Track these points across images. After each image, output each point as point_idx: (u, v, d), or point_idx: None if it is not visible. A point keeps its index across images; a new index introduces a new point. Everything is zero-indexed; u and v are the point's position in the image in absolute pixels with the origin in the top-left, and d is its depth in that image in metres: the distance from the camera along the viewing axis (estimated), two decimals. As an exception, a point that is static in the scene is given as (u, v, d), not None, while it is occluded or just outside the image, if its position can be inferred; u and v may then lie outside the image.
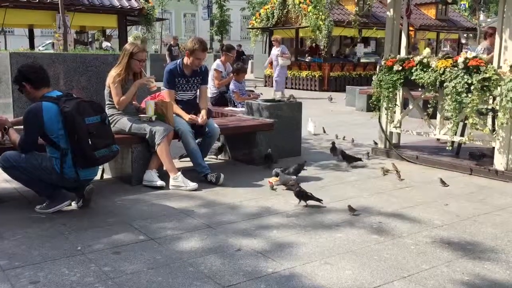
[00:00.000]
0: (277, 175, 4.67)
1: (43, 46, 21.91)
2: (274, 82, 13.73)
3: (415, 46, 15.35)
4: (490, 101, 5.33)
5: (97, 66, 5.61)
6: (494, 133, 4.98)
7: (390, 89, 5.64)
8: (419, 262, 2.96)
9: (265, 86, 18.63)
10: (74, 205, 3.88)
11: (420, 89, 6.09)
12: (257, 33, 19.98)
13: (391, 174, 5.07)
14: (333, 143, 5.91)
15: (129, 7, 14.41)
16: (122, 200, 4.15)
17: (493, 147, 5.03)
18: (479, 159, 5.21)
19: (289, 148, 5.83)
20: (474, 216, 3.82)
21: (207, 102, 5.69)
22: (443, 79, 5.11)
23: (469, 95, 4.87)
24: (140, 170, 4.58)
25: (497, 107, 4.85)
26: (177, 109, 4.88)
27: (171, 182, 4.48)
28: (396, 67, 5.57)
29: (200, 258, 2.98)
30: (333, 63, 17.59)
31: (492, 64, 5.16)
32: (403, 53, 5.97)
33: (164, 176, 4.56)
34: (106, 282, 2.65)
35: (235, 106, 6.99)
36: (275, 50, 13.61)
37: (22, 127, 3.78)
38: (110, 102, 4.64)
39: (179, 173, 4.50)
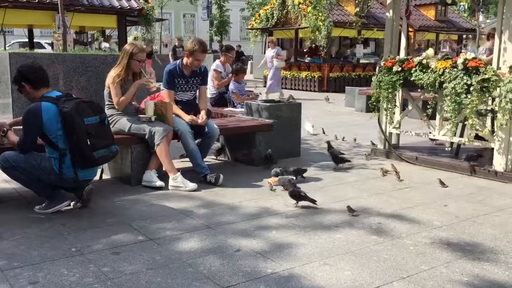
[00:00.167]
0: (276, 175, 4.67)
1: (8, 46, 21.58)
2: (267, 83, 13.54)
3: (419, 47, 15.34)
4: (490, 102, 5.34)
5: (96, 67, 5.61)
6: (494, 134, 4.99)
7: (389, 90, 5.65)
8: (418, 262, 2.96)
9: (265, 86, 18.59)
10: (73, 205, 3.88)
11: (419, 90, 6.09)
12: (256, 34, 20.00)
13: (390, 175, 5.07)
14: (328, 143, 5.83)
15: (128, 7, 14.42)
16: (121, 200, 4.15)
17: (492, 148, 5.04)
18: (476, 159, 5.22)
19: (289, 149, 5.83)
20: (473, 217, 3.83)
21: (207, 103, 5.69)
22: (442, 80, 5.12)
23: (469, 96, 4.88)
24: (140, 170, 4.58)
25: (497, 108, 4.86)
26: (176, 109, 4.88)
27: (171, 182, 4.48)
28: (396, 68, 5.58)
29: (199, 258, 2.98)
30: (332, 63, 17.62)
31: (491, 65, 5.17)
32: (402, 54, 5.97)
33: (164, 176, 4.56)
34: (105, 282, 2.65)
35: (234, 106, 6.99)
36: (270, 52, 13.50)
37: (21, 127, 3.78)
38: (109, 103, 4.64)
39: (179, 173, 4.50)
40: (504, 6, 5.05)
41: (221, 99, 7.20)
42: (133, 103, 4.80)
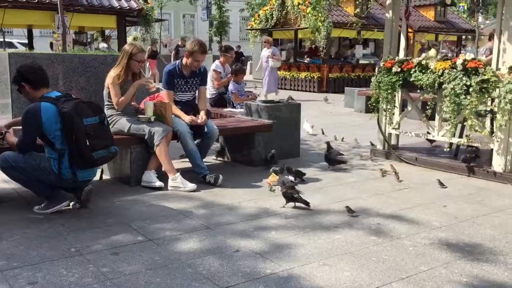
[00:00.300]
0: (276, 173, 4.63)
1: None
2: (264, 84, 13.29)
3: (423, 48, 15.30)
4: (489, 103, 5.34)
5: (96, 67, 5.60)
6: (493, 135, 4.99)
7: (389, 91, 5.65)
8: (418, 263, 2.96)
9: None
10: (72, 205, 3.87)
11: (418, 91, 6.10)
12: (256, 34, 20.00)
13: (390, 175, 5.07)
14: (328, 144, 5.82)
15: (128, 7, 14.43)
16: (120, 200, 4.15)
17: (491, 149, 5.05)
18: (473, 160, 5.22)
19: (288, 149, 5.83)
20: (473, 217, 3.83)
21: (206, 103, 5.69)
22: (441, 80, 5.12)
23: (468, 97, 4.88)
24: (139, 171, 4.58)
25: (496, 109, 4.86)
26: (176, 110, 4.88)
27: (170, 183, 4.48)
28: (395, 69, 5.58)
29: (199, 259, 2.98)
30: (332, 64, 17.63)
31: (490, 66, 5.17)
32: (402, 55, 5.98)
33: (163, 177, 4.56)
34: (104, 283, 2.65)
35: (234, 107, 7.00)
36: (266, 52, 13.25)
37: (20, 127, 3.78)
38: (109, 103, 4.64)
39: (178, 174, 4.50)
40: (503, 7, 5.05)
41: (220, 100, 7.20)
42: (132, 103, 4.80)
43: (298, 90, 17.64)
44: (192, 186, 4.44)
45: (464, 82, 4.90)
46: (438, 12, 20.46)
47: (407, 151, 5.98)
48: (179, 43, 17.83)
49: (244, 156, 5.57)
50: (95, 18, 14.58)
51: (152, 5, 16.18)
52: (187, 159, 4.96)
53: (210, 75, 6.98)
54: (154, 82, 4.78)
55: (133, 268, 2.84)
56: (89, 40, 18.02)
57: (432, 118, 5.60)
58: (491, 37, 7.75)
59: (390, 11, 5.98)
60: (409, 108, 6.01)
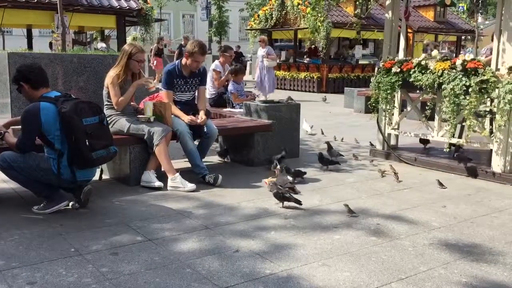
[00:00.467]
0: (276, 165, 4.59)
1: None
2: (266, 85, 13.06)
3: (427, 48, 15.26)
4: (488, 103, 5.34)
5: (95, 67, 5.60)
6: (492, 135, 4.99)
7: (388, 91, 5.65)
8: (417, 264, 2.96)
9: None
10: (71, 205, 3.87)
11: (418, 91, 6.10)
12: (255, 34, 19.98)
13: (389, 176, 5.07)
14: (328, 144, 5.84)
15: (127, 7, 14.41)
16: (120, 200, 4.15)
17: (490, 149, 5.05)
18: (469, 161, 5.22)
19: (287, 150, 5.81)
20: (472, 218, 3.83)
21: (206, 103, 5.69)
22: (441, 81, 5.12)
23: (467, 97, 4.88)
24: (138, 171, 4.58)
25: (495, 109, 4.86)
26: (175, 110, 4.88)
27: (169, 183, 4.48)
28: (395, 69, 5.58)
29: (198, 259, 2.98)
30: (331, 64, 17.63)
31: (490, 66, 5.17)
32: (401, 55, 5.98)
33: (162, 177, 4.55)
34: (103, 283, 2.65)
35: (233, 107, 7.00)
36: (261, 51, 13.15)
37: (19, 127, 3.78)
38: (108, 103, 4.63)
39: (177, 174, 4.50)
40: (502, 8, 5.06)
41: (220, 100, 7.20)
42: (132, 103, 4.80)
43: (297, 90, 17.64)
44: (191, 186, 4.44)
45: (464, 82, 4.90)
46: (438, 12, 20.46)
47: (407, 152, 5.98)
48: (182, 42, 17.81)
49: (244, 156, 5.57)
50: (94, 18, 14.56)
51: (152, 5, 16.16)
52: (186, 159, 4.96)
53: (209, 75, 6.98)
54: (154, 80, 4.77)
55: (132, 268, 2.84)
56: (88, 40, 18.00)
57: (431, 118, 5.60)
58: (492, 38, 7.74)
59: (390, 12, 5.98)
60: (409, 108, 6.01)
